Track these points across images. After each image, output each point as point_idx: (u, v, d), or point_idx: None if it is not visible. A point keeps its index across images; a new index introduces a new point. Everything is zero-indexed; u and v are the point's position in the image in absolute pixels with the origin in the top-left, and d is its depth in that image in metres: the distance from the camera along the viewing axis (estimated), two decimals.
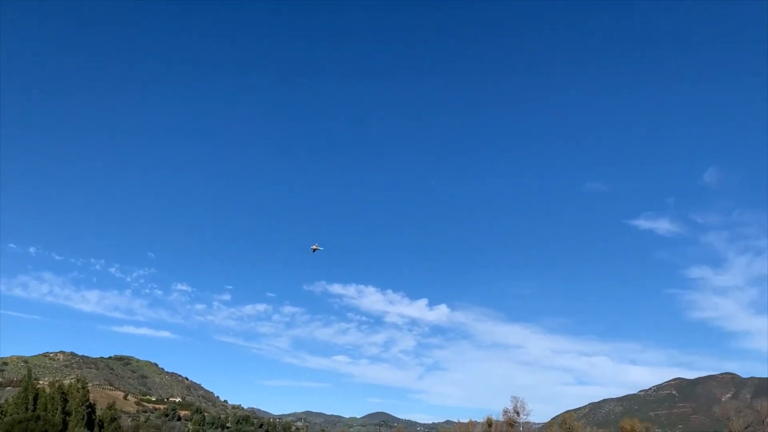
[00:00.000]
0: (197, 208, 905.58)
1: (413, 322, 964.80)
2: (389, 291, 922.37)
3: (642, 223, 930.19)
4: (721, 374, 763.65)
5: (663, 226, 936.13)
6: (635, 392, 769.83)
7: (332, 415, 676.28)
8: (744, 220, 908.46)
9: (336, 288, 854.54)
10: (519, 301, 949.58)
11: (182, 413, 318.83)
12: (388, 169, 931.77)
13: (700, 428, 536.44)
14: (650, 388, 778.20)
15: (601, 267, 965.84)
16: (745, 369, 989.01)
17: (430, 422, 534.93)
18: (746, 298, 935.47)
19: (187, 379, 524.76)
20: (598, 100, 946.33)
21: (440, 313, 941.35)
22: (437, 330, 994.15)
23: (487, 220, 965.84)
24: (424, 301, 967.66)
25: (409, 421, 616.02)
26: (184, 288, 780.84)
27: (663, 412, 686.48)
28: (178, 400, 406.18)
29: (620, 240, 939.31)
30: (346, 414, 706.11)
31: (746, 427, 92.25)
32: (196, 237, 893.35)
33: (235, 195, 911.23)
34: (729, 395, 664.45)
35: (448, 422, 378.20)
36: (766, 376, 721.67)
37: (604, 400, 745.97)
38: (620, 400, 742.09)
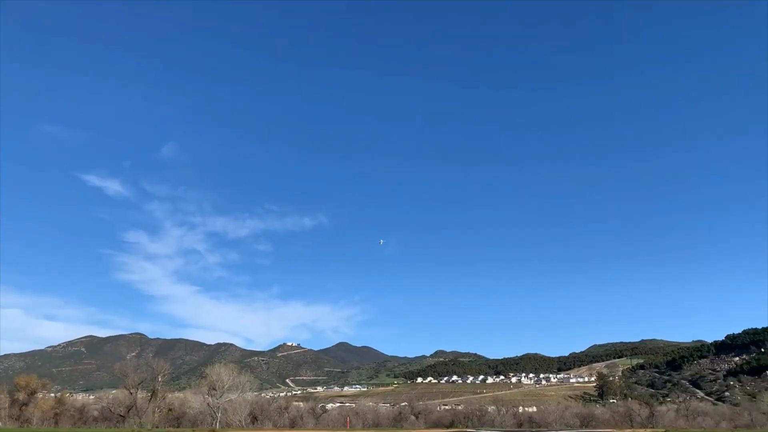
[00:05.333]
0: None
1: None
2: None
3: (93, 179, 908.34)
4: (131, 334, 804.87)
5: (113, 186, 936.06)
6: (44, 348, 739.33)
7: None
8: (187, 197, 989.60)
9: None
10: None
11: None
12: None
13: (100, 383, 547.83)
14: (59, 345, 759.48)
15: (41, 213, 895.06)
16: (154, 330, 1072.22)
17: None
18: (172, 267, 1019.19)
19: None
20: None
21: None
22: None
23: None
24: None
25: None
26: None
27: (68, 368, 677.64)
28: None
29: (66, 191, 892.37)
30: None
31: (140, 383, 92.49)
32: None
33: None
34: (134, 354, 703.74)
35: None
36: (168, 338, 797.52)
37: (6, 356, 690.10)
38: (24, 355, 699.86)
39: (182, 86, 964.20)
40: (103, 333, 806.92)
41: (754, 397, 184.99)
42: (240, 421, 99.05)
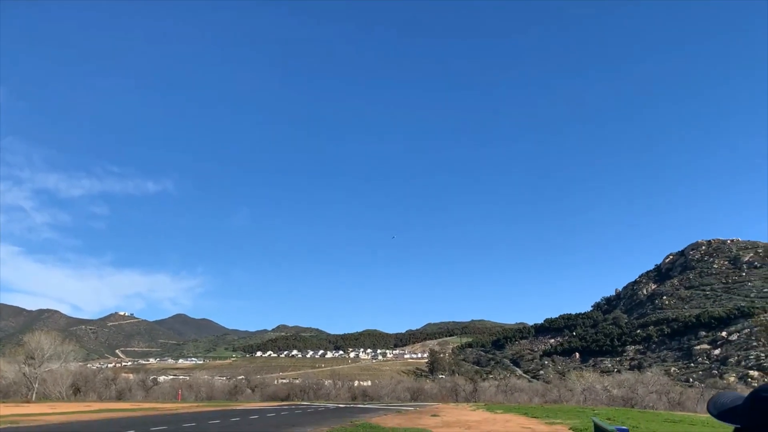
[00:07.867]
0: None
1: None
2: None
3: None
4: None
5: None
6: None
7: None
8: (14, 148, 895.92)
9: None
10: None
11: None
12: None
13: None
14: None
15: None
16: None
17: None
18: None
19: None
20: None
21: None
22: None
23: None
24: None
25: None
26: None
27: None
28: None
29: None
30: None
31: None
32: None
33: None
34: None
35: None
36: None
37: None
38: None
39: (16, 19, 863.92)
40: None
41: (563, 376, 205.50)
42: (60, 392, 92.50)
